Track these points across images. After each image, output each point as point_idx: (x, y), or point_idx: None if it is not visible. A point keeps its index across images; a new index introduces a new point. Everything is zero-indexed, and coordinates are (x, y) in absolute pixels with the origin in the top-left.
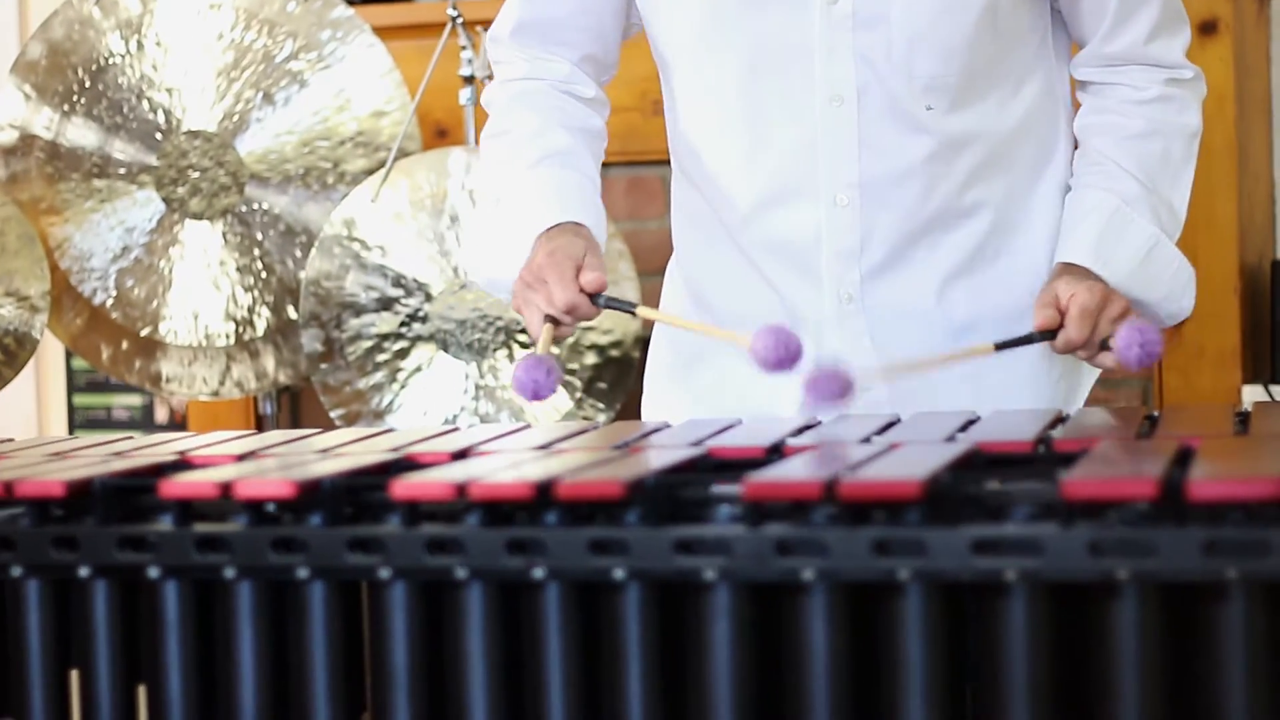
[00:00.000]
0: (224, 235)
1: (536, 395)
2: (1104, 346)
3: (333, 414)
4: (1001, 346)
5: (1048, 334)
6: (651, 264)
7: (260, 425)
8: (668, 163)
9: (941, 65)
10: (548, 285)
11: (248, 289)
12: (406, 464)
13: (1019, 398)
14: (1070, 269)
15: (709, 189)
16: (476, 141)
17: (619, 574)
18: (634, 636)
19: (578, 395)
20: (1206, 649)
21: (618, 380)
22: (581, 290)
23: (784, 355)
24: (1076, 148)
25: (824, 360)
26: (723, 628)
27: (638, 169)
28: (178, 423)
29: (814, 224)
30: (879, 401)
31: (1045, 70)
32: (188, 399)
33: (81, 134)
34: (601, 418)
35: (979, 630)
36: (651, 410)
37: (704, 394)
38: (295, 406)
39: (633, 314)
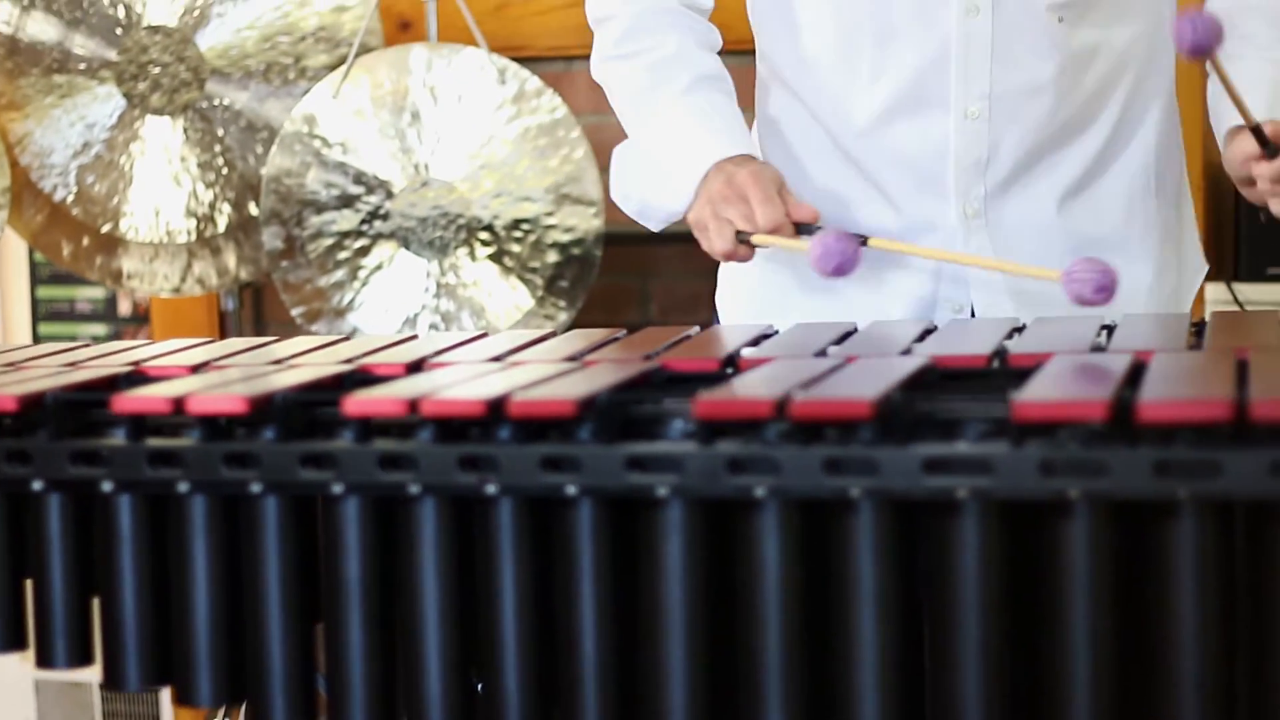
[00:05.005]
0: (185, 131)
1: (840, 269)
2: None
3: (294, 311)
4: (1256, 134)
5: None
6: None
7: (223, 321)
8: None
9: None
10: (749, 203)
11: (209, 185)
12: (360, 377)
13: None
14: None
15: (820, 99)
16: (439, 37)
17: (571, 490)
18: (587, 552)
19: (539, 294)
20: (1157, 567)
21: (579, 278)
22: (788, 216)
23: (1104, 285)
24: None
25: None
26: (675, 544)
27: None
28: (141, 315)
29: (942, 136)
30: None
31: None
32: (149, 295)
33: (41, 28)
34: (563, 316)
35: (931, 547)
36: (735, 318)
37: (803, 303)
38: (258, 302)
39: (864, 244)
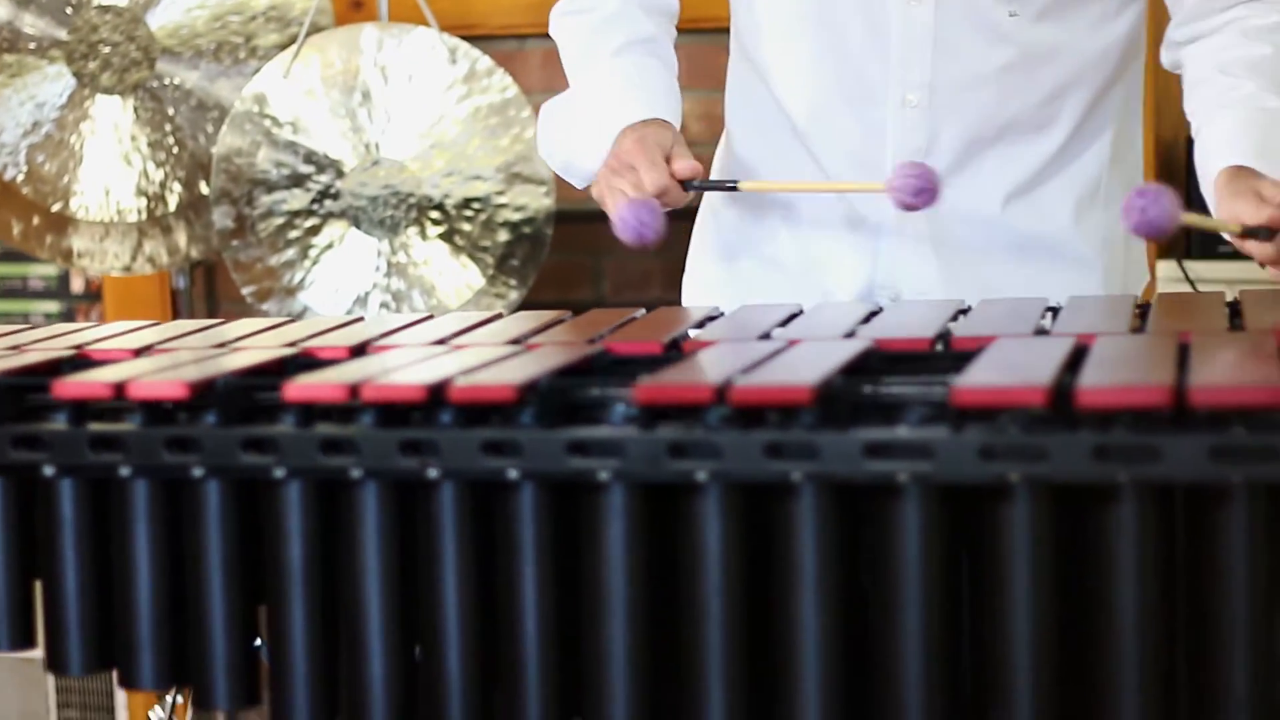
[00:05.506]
0: (135, 110)
1: (641, 236)
2: None
3: (244, 290)
4: (1247, 234)
5: (1271, 232)
6: None
7: (175, 299)
8: None
9: None
10: (636, 171)
11: (159, 164)
12: (303, 361)
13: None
14: (1246, 171)
15: (774, 79)
16: (390, 17)
17: (513, 474)
18: (528, 535)
19: (490, 273)
20: (1098, 551)
21: (530, 257)
22: (672, 176)
23: (923, 188)
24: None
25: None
26: (617, 528)
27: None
28: (94, 292)
29: (880, 122)
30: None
31: None
32: (100, 274)
33: None
34: (514, 295)
35: (873, 531)
36: (693, 298)
37: (749, 282)
38: (210, 280)
39: (735, 189)
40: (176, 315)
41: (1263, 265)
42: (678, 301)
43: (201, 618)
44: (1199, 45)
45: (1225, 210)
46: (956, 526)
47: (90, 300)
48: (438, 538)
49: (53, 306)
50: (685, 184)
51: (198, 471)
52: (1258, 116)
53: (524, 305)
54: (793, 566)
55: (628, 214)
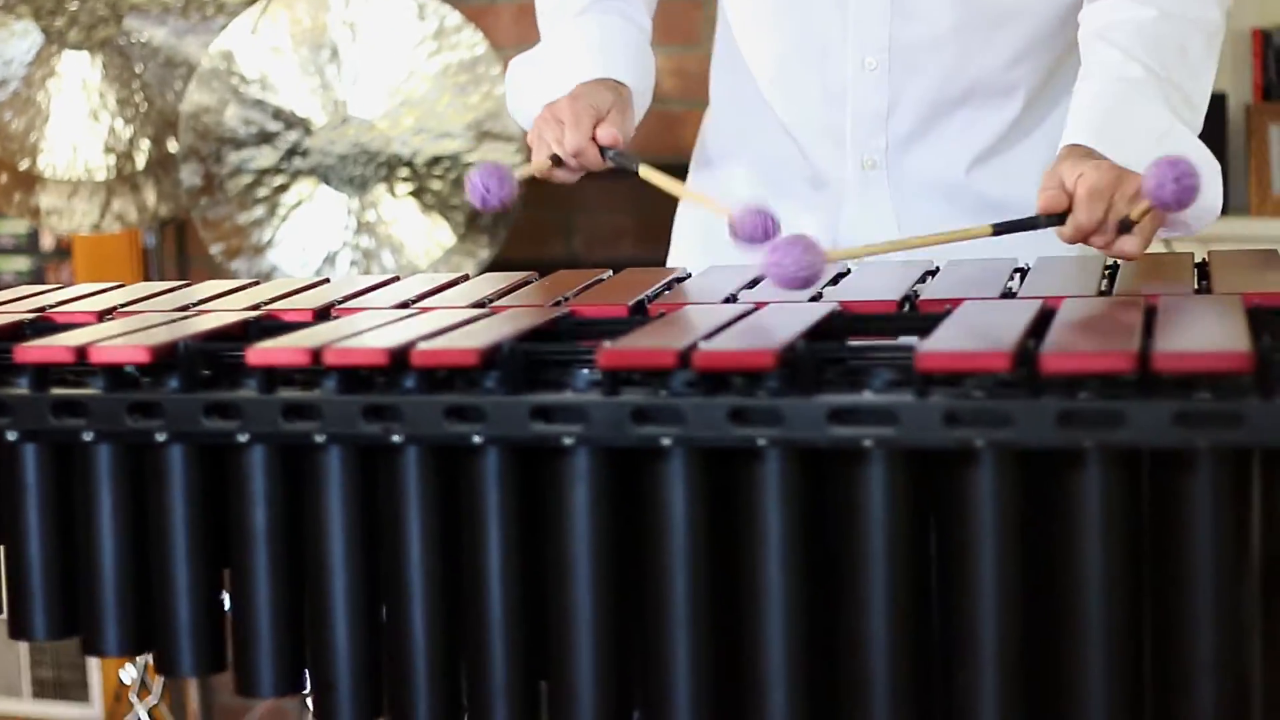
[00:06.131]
0: (103, 67)
1: (485, 202)
2: (1123, 230)
3: (213, 249)
4: (1001, 229)
5: (1055, 219)
6: None
7: (145, 257)
8: None
9: None
10: (563, 126)
11: (127, 121)
12: (267, 324)
13: None
14: (1076, 150)
15: (742, 40)
16: None
17: (477, 439)
18: (493, 500)
19: (461, 231)
20: (1063, 515)
21: (501, 215)
22: (594, 140)
23: (758, 236)
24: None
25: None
26: (581, 492)
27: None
28: (64, 249)
29: (840, 85)
30: None
31: None
32: (69, 232)
33: None
34: (485, 253)
35: (838, 496)
36: (677, 258)
37: (720, 243)
38: (180, 238)
39: (635, 172)
40: (147, 273)
41: (1103, 247)
42: (650, 259)
43: (165, 584)
44: (1093, 5)
45: (1040, 188)
46: (922, 492)
47: (60, 258)
48: (402, 503)
49: (23, 264)
50: (603, 151)
51: (161, 436)
52: (1112, 89)
53: (495, 263)
54: (758, 532)
55: (476, 179)
